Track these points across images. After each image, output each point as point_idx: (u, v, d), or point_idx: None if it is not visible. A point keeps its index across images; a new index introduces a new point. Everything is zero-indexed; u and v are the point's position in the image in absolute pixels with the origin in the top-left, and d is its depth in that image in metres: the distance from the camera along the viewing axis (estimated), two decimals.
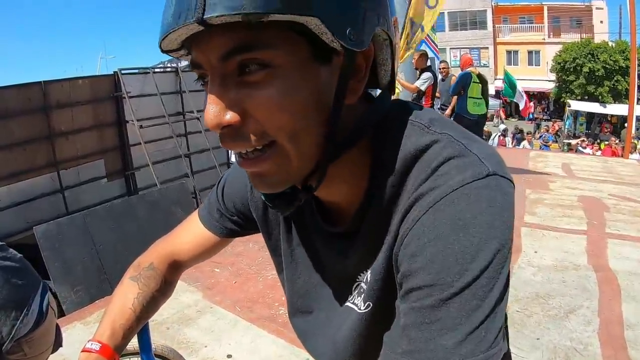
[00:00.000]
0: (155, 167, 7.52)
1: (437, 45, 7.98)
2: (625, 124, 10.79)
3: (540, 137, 15.64)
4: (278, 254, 0.64)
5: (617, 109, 18.11)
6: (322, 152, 0.45)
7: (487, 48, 25.81)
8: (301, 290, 0.62)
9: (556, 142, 15.87)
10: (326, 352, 0.59)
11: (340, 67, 0.43)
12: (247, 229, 0.69)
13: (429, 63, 5.73)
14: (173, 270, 0.75)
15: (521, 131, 15.66)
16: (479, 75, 5.53)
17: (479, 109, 5.45)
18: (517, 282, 2.69)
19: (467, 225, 0.40)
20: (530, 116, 21.53)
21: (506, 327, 0.66)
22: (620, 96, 19.75)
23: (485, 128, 7.83)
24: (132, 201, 5.95)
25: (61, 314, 3.68)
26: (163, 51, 0.44)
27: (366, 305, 0.52)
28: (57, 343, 1.22)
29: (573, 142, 15.07)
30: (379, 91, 0.52)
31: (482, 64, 23.58)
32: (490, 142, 12.43)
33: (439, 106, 6.24)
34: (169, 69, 9.02)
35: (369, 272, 0.51)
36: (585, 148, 13.41)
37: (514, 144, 14.29)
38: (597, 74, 20.59)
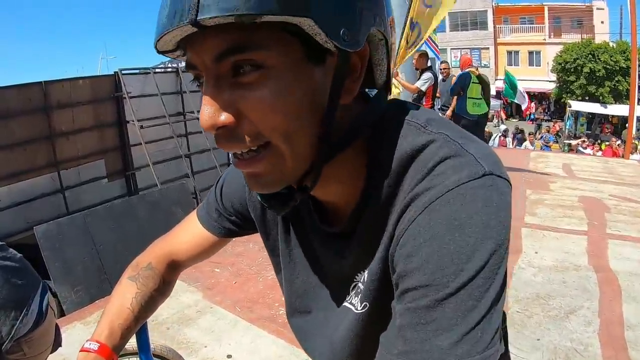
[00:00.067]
0: (155, 167, 7.54)
1: (437, 46, 7.99)
2: (626, 125, 10.76)
3: (541, 137, 15.64)
4: (276, 254, 0.64)
5: (617, 110, 18.06)
6: (316, 153, 0.44)
7: (487, 48, 25.81)
8: (299, 291, 0.62)
9: (557, 142, 15.87)
10: (324, 352, 0.59)
11: (334, 68, 0.43)
12: (246, 229, 0.69)
13: (429, 63, 5.70)
14: (171, 270, 0.75)
15: (522, 131, 15.65)
16: (479, 76, 5.51)
17: (479, 110, 5.43)
18: (517, 283, 2.68)
19: (462, 225, 0.40)
20: (531, 117, 21.55)
21: (505, 327, 0.66)
22: (621, 97, 19.73)
23: (486, 129, 7.82)
24: (132, 201, 5.97)
25: (61, 314, 3.70)
26: (159, 52, 0.44)
27: (363, 305, 0.52)
28: (57, 343, 1.22)
29: (574, 142, 15.04)
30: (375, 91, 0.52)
31: (482, 65, 23.54)
32: (491, 142, 12.43)
33: (439, 107, 6.23)
34: (169, 69, 9.05)
35: (365, 272, 0.51)
36: (585, 148, 13.41)
37: (514, 144, 14.28)
38: (597, 74, 20.56)
